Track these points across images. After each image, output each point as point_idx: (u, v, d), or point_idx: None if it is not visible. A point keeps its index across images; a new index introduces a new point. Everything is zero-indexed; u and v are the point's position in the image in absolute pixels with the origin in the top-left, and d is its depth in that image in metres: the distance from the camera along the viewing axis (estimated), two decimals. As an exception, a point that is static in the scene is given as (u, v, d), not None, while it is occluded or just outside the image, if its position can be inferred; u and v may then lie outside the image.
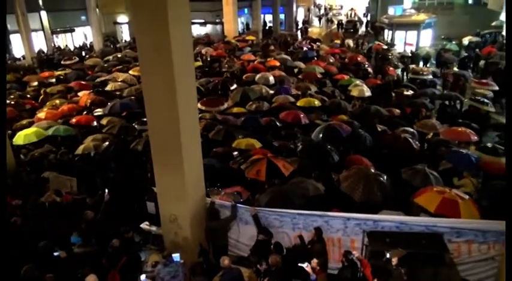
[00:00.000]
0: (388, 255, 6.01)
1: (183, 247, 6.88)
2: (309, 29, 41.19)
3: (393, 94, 15.19)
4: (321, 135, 10.01)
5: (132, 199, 8.31)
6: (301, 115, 11.48)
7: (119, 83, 16.12)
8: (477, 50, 22.25)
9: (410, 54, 22.30)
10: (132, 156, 9.82)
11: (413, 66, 19.57)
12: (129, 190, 8.40)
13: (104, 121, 11.93)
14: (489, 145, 9.61)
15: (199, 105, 12.45)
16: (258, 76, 15.92)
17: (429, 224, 6.32)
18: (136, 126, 11.48)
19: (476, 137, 10.09)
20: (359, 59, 20.34)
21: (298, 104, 12.94)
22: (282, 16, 40.15)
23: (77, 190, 8.60)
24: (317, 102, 12.94)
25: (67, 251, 6.42)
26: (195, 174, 7.03)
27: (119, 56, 22.88)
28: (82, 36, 32.85)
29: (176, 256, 6.27)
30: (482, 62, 19.23)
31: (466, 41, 24.22)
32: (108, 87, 15.64)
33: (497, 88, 15.48)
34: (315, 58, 21.04)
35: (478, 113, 12.89)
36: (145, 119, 9.48)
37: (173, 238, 7.08)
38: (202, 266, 6.44)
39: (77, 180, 8.76)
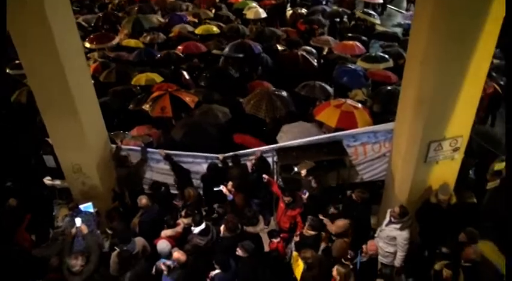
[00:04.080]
0: (296, 169, 6.47)
1: (94, 195, 6.51)
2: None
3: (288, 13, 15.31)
4: (232, 49, 10.12)
5: (27, 155, 7.51)
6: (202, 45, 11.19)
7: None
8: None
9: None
10: (14, 108, 8.68)
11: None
12: (20, 145, 7.53)
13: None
14: (373, 54, 10.32)
15: (86, 44, 11.30)
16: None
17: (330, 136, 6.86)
18: (9, 71, 9.98)
19: (363, 48, 10.83)
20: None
21: (196, 32, 12.48)
22: None
23: None
24: (215, 29, 12.53)
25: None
26: (92, 118, 6.45)
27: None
28: None
29: (88, 206, 5.94)
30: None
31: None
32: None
33: (381, 1, 16.54)
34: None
35: (365, 25, 13.73)
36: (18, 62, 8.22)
37: (81, 188, 6.64)
38: (118, 210, 6.28)
39: None
